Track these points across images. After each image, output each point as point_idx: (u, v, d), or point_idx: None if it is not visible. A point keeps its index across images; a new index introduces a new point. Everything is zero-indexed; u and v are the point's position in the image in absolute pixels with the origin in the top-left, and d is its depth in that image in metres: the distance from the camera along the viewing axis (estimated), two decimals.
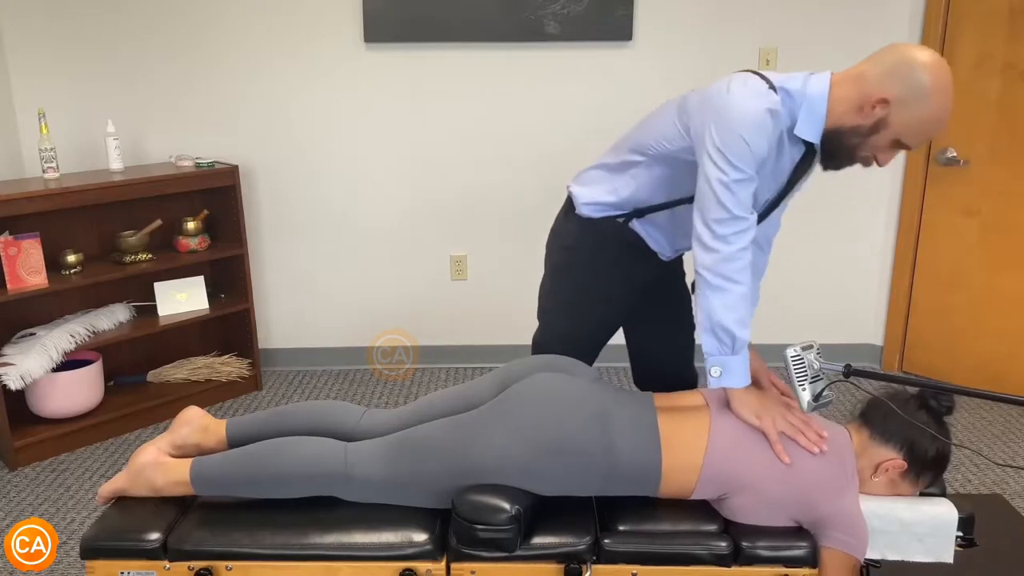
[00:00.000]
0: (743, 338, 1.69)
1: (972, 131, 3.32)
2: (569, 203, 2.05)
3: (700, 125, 1.71)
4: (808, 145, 1.74)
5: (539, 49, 3.43)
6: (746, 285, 1.69)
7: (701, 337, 1.72)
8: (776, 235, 2.03)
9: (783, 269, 3.70)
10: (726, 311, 1.67)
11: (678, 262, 2.17)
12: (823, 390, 1.65)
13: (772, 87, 1.69)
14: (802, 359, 1.65)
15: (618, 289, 2.05)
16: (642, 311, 2.14)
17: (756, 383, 1.77)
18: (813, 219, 3.63)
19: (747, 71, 1.76)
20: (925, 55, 1.62)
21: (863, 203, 3.61)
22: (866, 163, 1.74)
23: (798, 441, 1.66)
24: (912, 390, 1.77)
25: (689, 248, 1.86)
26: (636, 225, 1.97)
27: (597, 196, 1.97)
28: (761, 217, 1.84)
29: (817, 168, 1.82)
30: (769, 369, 1.86)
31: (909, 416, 1.68)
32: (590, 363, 2.03)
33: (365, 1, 3.33)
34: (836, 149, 1.72)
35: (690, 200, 1.80)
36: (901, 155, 3.51)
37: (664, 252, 2.04)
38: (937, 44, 3.33)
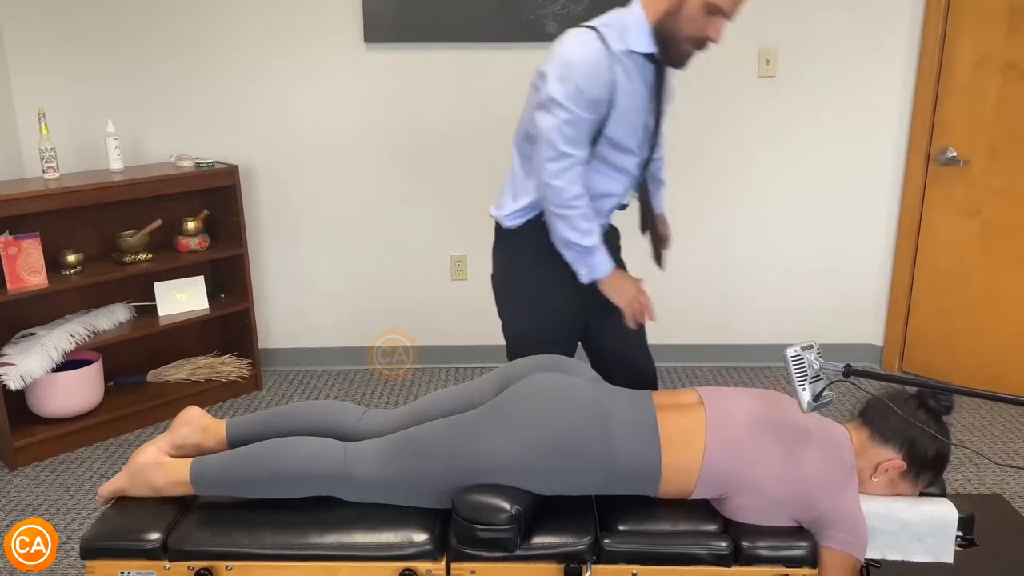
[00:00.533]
0: (591, 244, 1.98)
1: (972, 131, 3.32)
2: (496, 229, 2.19)
3: (542, 82, 1.92)
4: (651, 58, 1.94)
5: (539, 49, 3.41)
6: (582, 207, 1.94)
7: (563, 254, 2.01)
8: (663, 163, 2.25)
9: (783, 269, 3.70)
10: (571, 231, 1.95)
11: (618, 255, 2.27)
12: (823, 390, 1.65)
13: (593, 30, 1.89)
14: (802, 359, 1.65)
15: (567, 284, 2.09)
16: (597, 308, 2.15)
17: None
18: (813, 219, 3.63)
19: (573, 28, 1.94)
20: None
21: (863, 203, 3.61)
22: (700, 45, 1.91)
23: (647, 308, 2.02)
24: (911, 390, 1.77)
25: (611, 209, 2.12)
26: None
27: (512, 205, 2.09)
28: (652, 147, 2.08)
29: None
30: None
31: (908, 416, 1.68)
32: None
33: (365, 1, 3.33)
34: (665, 41, 1.90)
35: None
36: (901, 155, 3.52)
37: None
38: (937, 44, 3.33)
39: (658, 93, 2.00)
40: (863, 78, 3.46)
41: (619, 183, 2.06)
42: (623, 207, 2.17)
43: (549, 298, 2.11)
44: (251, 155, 3.53)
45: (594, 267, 2.01)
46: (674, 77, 2.05)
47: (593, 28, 1.90)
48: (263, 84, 3.46)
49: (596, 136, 1.95)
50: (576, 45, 1.88)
